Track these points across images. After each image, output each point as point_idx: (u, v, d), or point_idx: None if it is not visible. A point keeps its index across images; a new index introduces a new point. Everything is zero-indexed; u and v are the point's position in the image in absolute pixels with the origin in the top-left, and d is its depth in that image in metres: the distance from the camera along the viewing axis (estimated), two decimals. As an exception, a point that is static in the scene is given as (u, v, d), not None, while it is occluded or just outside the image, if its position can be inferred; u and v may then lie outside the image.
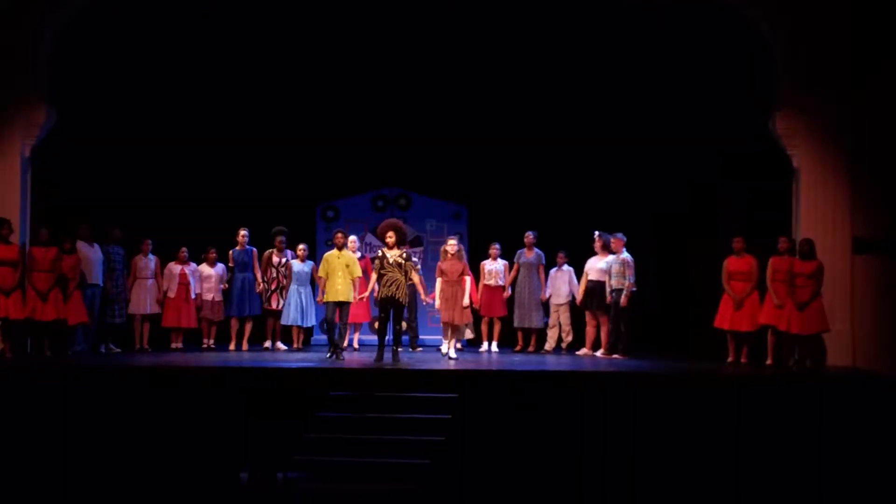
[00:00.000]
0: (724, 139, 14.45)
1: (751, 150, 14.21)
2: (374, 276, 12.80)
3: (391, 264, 12.52)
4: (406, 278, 12.61)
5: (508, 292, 14.93)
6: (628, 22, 14.28)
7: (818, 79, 13.39)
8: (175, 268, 14.65)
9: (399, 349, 12.67)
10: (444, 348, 13.50)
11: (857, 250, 13.27)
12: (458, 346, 13.99)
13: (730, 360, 13.26)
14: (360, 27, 15.00)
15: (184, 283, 14.63)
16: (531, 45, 15.07)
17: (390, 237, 12.63)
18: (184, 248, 14.72)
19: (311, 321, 14.92)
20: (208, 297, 14.82)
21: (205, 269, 14.87)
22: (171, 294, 14.55)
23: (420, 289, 13.37)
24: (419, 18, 14.65)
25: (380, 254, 12.71)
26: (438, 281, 13.55)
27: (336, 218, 16.82)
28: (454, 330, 13.54)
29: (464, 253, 13.80)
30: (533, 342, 15.02)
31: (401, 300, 12.54)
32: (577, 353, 14.49)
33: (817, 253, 12.77)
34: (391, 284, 12.48)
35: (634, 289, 13.78)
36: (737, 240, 13.38)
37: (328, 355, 13.06)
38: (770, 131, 13.72)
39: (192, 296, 14.69)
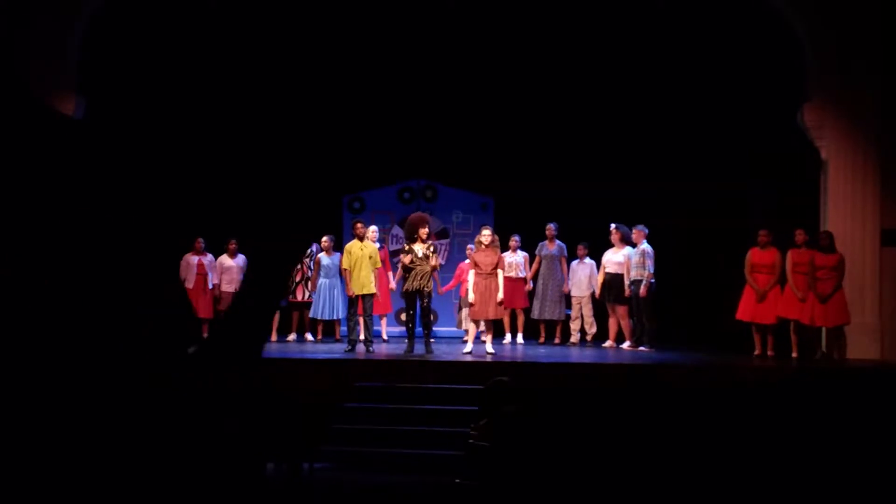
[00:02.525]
0: (751, 131, 14.45)
1: (778, 143, 14.17)
2: (400, 269, 12.85)
3: (420, 257, 12.58)
4: (433, 271, 12.72)
5: (530, 285, 14.92)
6: (650, 13, 14.23)
7: (847, 70, 13.34)
8: (192, 259, 14.71)
9: (432, 340, 12.84)
10: (468, 347, 13.25)
11: (886, 242, 13.21)
12: (482, 339, 13.85)
13: (756, 353, 13.23)
14: (388, 19, 15.01)
15: (201, 273, 14.71)
16: (561, 37, 15.03)
17: (424, 231, 12.69)
18: (199, 239, 14.78)
19: (341, 313, 14.90)
20: (229, 288, 14.86)
21: (225, 260, 14.92)
22: (189, 285, 14.62)
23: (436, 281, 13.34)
24: (446, 9, 14.63)
25: (406, 248, 12.73)
26: (472, 273, 13.23)
27: (362, 209, 16.83)
28: (486, 324, 13.37)
29: (498, 244, 13.57)
30: (557, 334, 15.02)
31: (428, 291, 12.64)
32: (603, 345, 14.49)
33: (846, 245, 12.73)
34: (422, 277, 12.56)
35: (654, 280, 13.78)
36: (762, 232, 13.33)
37: (347, 347, 13.13)
38: (798, 124, 13.67)
39: (210, 286, 14.78)
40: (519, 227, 15.24)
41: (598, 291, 14.56)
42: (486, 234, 13.22)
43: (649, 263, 13.77)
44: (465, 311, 15.09)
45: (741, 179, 14.92)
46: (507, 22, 14.85)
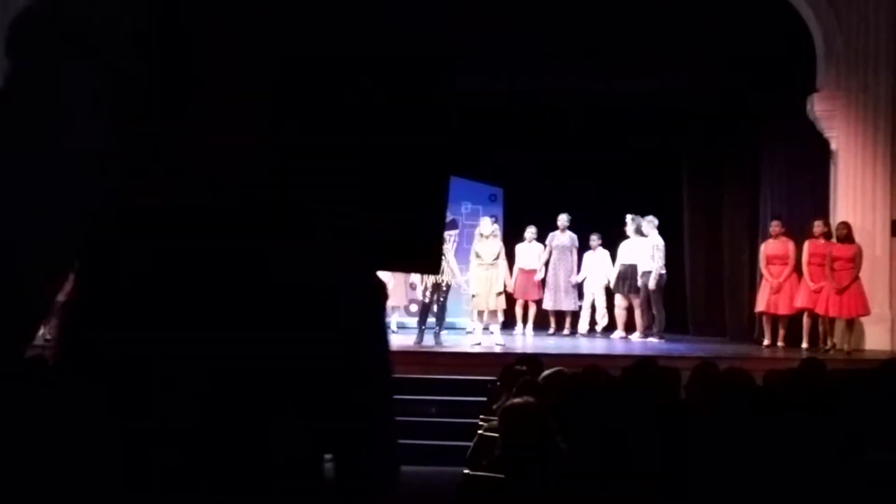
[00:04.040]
0: (762, 121, 14.40)
1: (788, 133, 14.10)
2: None
3: None
4: (448, 262, 12.72)
5: (542, 275, 14.89)
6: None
7: (857, 59, 13.28)
8: None
9: (442, 331, 12.84)
10: (477, 337, 13.24)
11: (897, 233, 13.19)
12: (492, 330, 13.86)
13: (766, 343, 13.21)
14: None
15: None
16: (570, 31, 14.87)
17: None
18: None
19: None
20: None
21: None
22: None
23: (455, 272, 13.32)
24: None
25: None
26: (474, 264, 13.38)
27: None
28: (490, 315, 13.47)
29: (499, 234, 13.59)
30: (567, 325, 15.01)
31: (446, 283, 12.65)
32: (612, 335, 14.48)
33: (857, 235, 12.69)
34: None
35: (663, 272, 13.77)
36: (774, 223, 13.30)
37: None
38: (807, 114, 13.61)
39: None
40: (529, 218, 15.17)
41: (612, 282, 14.51)
42: (486, 225, 13.29)
43: (658, 255, 13.75)
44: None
45: (751, 169, 14.85)
46: (516, 12, 14.73)
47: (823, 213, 13.33)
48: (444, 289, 12.71)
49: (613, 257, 14.60)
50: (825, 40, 13.41)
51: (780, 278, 13.04)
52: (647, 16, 14.32)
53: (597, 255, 14.88)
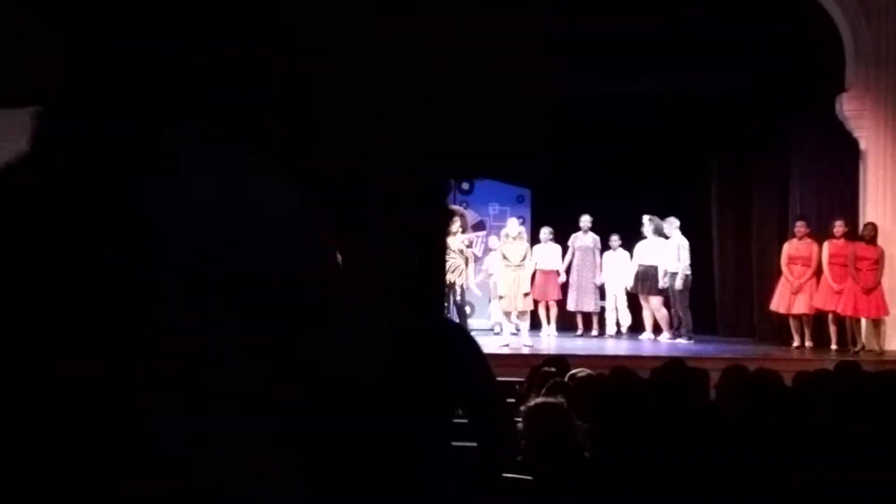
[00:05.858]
0: (789, 120, 14.31)
1: (817, 133, 14.01)
2: None
3: (454, 251, 12.59)
4: (466, 265, 12.74)
5: (564, 277, 14.82)
6: None
7: (886, 58, 13.17)
8: None
9: None
10: (504, 339, 13.24)
11: (927, 233, 13.06)
12: (514, 330, 13.80)
13: (795, 345, 13.11)
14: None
15: None
16: (589, 31, 14.75)
17: (453, 223, 12.70)
18: None
19: None
20: None
21: None
22: None
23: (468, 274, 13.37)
24: None
25: None
26: (501, 266, 13.37)
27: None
28: (518, 316, 13.41)
29: (526, 235, 13.58)
30: (593, 325, 14.96)
31: (462, 286, 12.68)
32: (640, 337, 14.43)
33: (885, 235, 12.61)
34: (454, 270, 12.58)
35: (689, 272, 13.70)
36: (799, 224, 13.20)
37: None
38: (836, 113, 13.50)
39: None
40: (556, 219, 15.10)
41: (630, 283, 14.45)
42: (513, 226, 13.31)
43: (684, 255, 13.69)
44: (493, 303, 15.03)
45: (780, 169, 14.75)
46: (543, 11, 14.66)
47: (853, 214, 13.23)
48: (458, 289, 12.68)
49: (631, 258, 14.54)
50: (854, 39, 13.30)
51: (802, 279, 12.92)
52: (675, 15, 14.22)
53: (617, 256, 14.82)
